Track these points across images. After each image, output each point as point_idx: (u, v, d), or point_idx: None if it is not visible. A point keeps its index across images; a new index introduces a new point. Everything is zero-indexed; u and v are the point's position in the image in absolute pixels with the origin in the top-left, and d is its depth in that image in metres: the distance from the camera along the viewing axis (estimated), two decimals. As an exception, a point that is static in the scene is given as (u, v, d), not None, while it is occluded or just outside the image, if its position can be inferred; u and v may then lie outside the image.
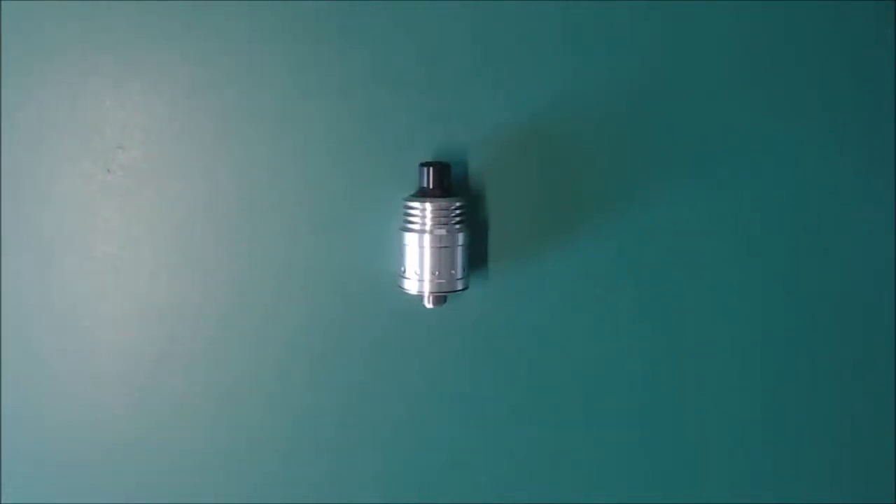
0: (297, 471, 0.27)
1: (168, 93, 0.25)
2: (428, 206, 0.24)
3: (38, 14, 0.25)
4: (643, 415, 0.27)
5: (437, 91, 0.26)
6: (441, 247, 0.24)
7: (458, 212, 0.24)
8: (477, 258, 0.26)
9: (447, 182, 0.24)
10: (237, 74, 0.25)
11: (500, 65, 0.26)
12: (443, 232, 0.24)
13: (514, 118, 0.26)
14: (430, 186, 0.24)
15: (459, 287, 0.24)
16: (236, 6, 0.25)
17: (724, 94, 0.26)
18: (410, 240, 0.24)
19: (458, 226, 0.24)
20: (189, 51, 0.25)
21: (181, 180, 0.26)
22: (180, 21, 0.25)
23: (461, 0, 0.25)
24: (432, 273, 0.24)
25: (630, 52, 0.26)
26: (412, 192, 0.25)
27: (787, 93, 0.27)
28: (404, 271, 0.24)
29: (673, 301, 0.27)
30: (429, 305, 0.24)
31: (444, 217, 0.24)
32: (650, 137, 0.26)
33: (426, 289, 0.24)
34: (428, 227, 0.24)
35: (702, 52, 0.26)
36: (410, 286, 0.24)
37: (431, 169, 0.24)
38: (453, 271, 0.24)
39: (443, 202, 0.24)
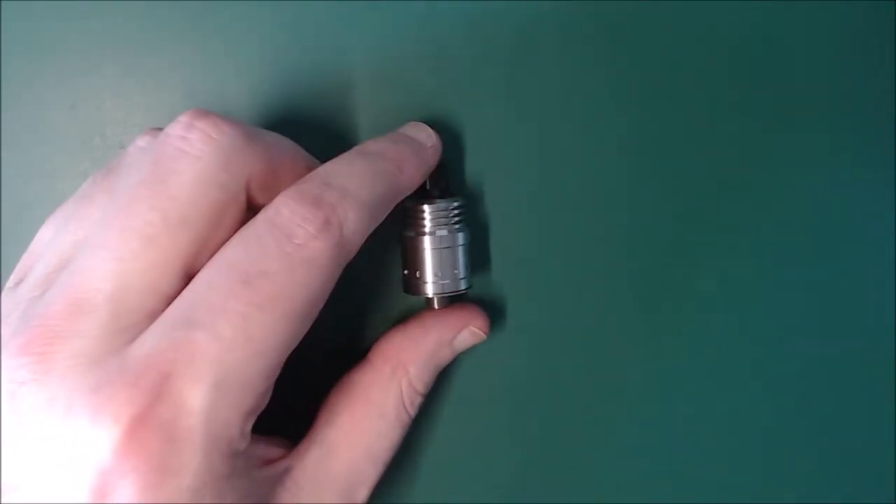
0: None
1: (168, 93, 0.25)
2: (426, 207, 0.24)
3: (38, 14, 0.25)
4: (644, 414, 0.27)
5: (435, 92, 0.26)
6: (442, 248, 0.24)
7: (456, 212, 0.24)
8: (479, 257, 0.26)
9: (444, 183, 0.24)
10: (237, 75, 0.25)
11: (499, 65, 0.26)
12: (443, 233, 0.24)
13: (512, 117, 0.26)
14: (428, 188, 0.24)
15: (463, 287, 0.24)
16: (237, 6, 0.25)
17: (725, 94, 0.26)
18: (411, 243, 0.24)
19: (457, 226, 0.24)
20: (190, 51, 0.25)
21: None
22: (181, 21, 0.25)
23: (461, 0, 0.25)
24: (434, 275, 0.24)
25: (631, 53, 0.26)
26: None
27: (787, 92, 0.27)
28: (407, 274, 0.24)
29: (674, 300, 0.27)
30: (435, 307, 0.24)
31: (444, 218, 0.24)
32: (651, 137, 0.26)
33: (430, 291, 0.24)
34: (427, 229, 0.24)
35: (703, 53, 0.26)
36: (414, 289, 0.24)
37: None
38: (456, 271, 0.24)
39: (441, 203, 0.24)
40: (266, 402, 0.19)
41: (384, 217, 0.21)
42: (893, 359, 0.28)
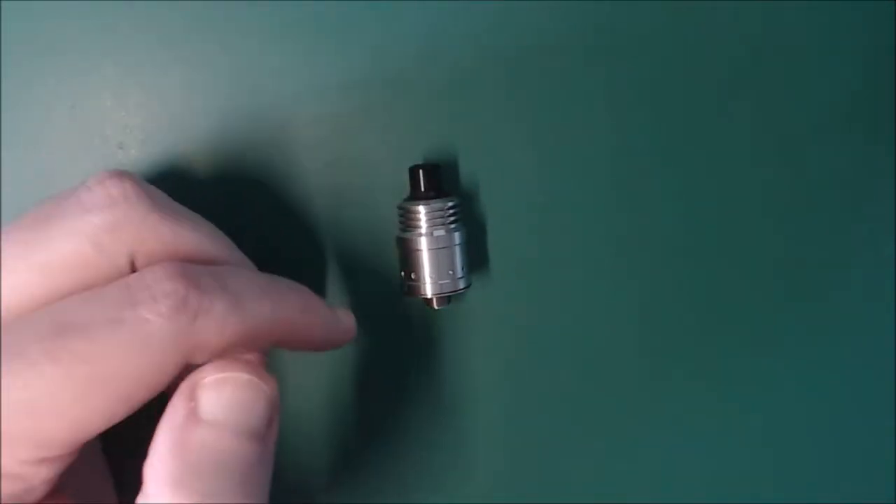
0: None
1: (168, 93, 0.25)
2: (421, 208, 0.24)
3: (38, 14, 0.25)
4: (644, 414, 0.27)
5: (434, 92, 0.26)
6: (439, 248, 0.24)
7: (451, 211, 0.24)
8: (478, 257, 0.26)
9: (439, 183, 0.24)
10: (236, 75, 0.25)
11: (499, 64, 0.26)
12: (441, 233, 0.24)
13: (512, 117, 0.26)
14: (423, 189, 0.24)
15: (461, 286, 0.24)
16: (236, 7, 0.25)
17: (725, 96, 0.26)
18: (407, 244, 0.24)
19: (453, 226, 0.24)
20: (189, 51, 0.25)
21: (180, 180, 0.26)
22: (181, 21, 0.25)
23: (461, 1, 0.25)
24: (430, 276, 0.24)
25: (630, 54, 0.26)
26: (405, 195, 0.25)
27: (787, 93, 0.27)
28: (405, 277, 0.24)
29: (674, 299, 0.27)
30: (435, 307, 0.24)
31: (440, 218, 0.24)
32: (649, 137, 0.26)
33: (429, 291, 0.24)
34: (423, 230, 0.24)
35: (702, 55, 0.26)
36: (413, 291, 0.24)
37: (422, 171, 0.24)
38: (451, 271, 0.24)
39: (436, 203, 0.24)
40: (64, 473, 0.17)
41: (262, 345, 0.19)
42: (893, 359, 0.28)
